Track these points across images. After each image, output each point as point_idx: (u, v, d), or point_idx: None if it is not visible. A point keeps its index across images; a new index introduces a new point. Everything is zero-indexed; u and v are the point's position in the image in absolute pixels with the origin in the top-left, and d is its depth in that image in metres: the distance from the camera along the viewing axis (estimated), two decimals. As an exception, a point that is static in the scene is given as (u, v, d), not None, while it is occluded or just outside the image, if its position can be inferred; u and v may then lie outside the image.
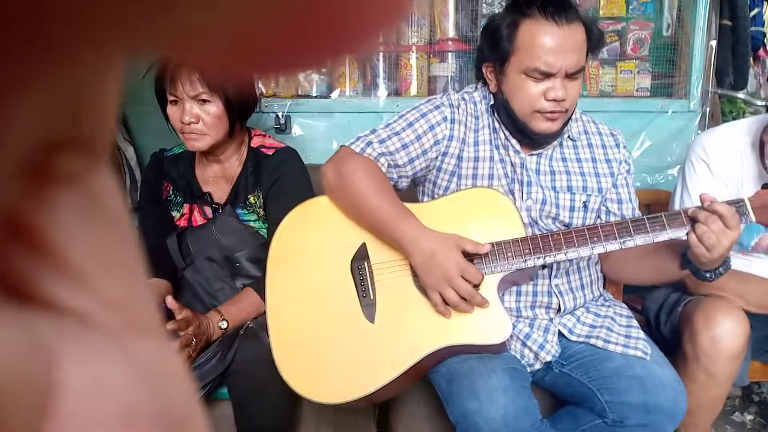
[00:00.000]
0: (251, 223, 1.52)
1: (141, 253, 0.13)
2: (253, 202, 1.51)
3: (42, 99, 0.10)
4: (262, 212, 1.51)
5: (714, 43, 2.68)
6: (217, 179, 1.54)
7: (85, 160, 0.11)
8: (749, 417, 2.26)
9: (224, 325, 1.39)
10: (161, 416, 0.12)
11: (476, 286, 1.22)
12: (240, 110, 1.47)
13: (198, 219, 1.54)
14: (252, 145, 1.54)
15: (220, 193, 1.54)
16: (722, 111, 3.44)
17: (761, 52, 4.47)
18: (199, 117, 1.40)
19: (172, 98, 1.40)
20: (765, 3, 3.85)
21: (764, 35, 4.42)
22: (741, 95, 3.30)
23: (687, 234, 1.20)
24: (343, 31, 0.10)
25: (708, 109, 2.60)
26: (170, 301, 1.29)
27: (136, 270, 0.13)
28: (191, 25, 0.09)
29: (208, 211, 1.53)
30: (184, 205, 1.54)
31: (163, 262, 1.52)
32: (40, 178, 0.11)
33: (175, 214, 1.55)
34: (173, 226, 1.54)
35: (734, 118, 2.72)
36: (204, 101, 1.39)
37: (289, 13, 0.10)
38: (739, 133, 1.58)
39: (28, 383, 0.10)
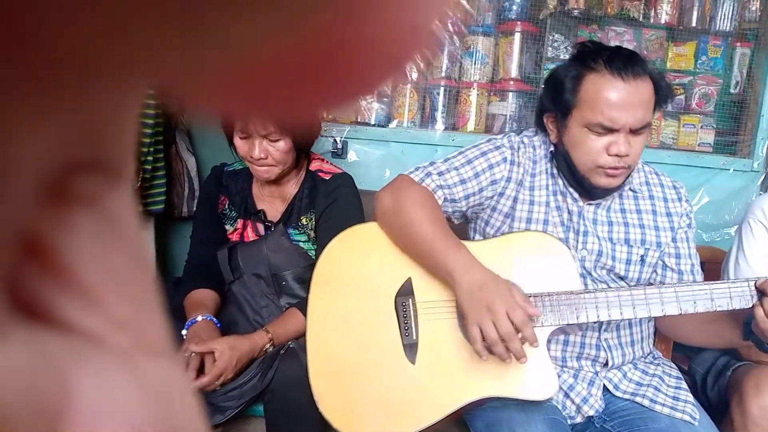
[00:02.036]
0: (301, 244, 1.54)
1: (153, 273, 0.13)
2: (305, 223, 1.53)
3: (61, 122, 0.10)
4: (312, 234, 1.53)
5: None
6: (272, 198, 1.56)
7: (103, 181, 0.11)
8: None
9: (270, 347, 1.40)
10: None
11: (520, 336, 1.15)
12: (305, 145, 1.51)
13: (250, 235, 1.56)
14: (310, 168, 1.57)
15: (274, 211, 1.56)
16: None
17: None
18: (268, 152, 1.43)
19: (242, 134, 1.43)
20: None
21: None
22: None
23: (753, 306, 1.15)
24: (351, 76, 0.10)
25: (770, 171, 2.53)
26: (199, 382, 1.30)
27: (148, 290, 0.13)
28: (203, 62, 0.09)
29: (261, 228, 1.56)
30: (238, 220, 1.57)
31: (213, 274, 1.55)
32: (56, 199, 0.11)
33: (229, 228, 1.58)
34: (225, 240, 1.57)
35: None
36: (274, 139, 1.42)
37: (306, 58, 0.10)
38: None
39: (40, 403, 0.10)
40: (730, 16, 2.50)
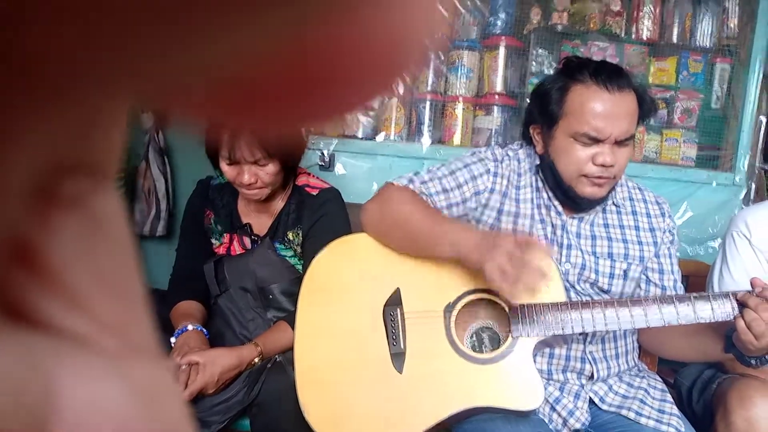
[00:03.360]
0: (287, 258, 1.54)
1: (141, 275, 0.13)
2: (291, 238, 1.53)
3: (49, 127, 0.10)
4: (299, 249, 1.53)
5: (764, 118, 2.65)
6: (259, 212, 1.56)
7: (90, 184, 0.12)
8: None
9: (258, 360, 1.39)
10: None
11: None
12: (293, 164, 1.52)
13: (237, 249, 1.56)
14: (297, 183, 1.57)
15: (261, 225, 1.56)
16: (767, 187, 3.39)
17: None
18: (257, 176, 1.43)
19: (229, 161, 1.42)
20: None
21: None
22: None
23: (735, 318, 1.17)
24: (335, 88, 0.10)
25: (753, 185, 2.57)
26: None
27: (135, 291, 0.13)
28: (188, 72, 0.10)
29: (247, 241, 1.55)
30: (224, 234, 1.56)
31: (198, 287, 1.54)
32: (42, 201, 0.11)
33: (215, 242, 1.57)
34: (212, 253, 1.56)
35: (780, 195, 2.67)
36: (263, 164, 1.42)
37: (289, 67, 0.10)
38: None
39: (27, 405, 0.10)
40: (709, 32, 2.55)
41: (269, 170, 1.43)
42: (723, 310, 1.19)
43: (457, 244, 1.18)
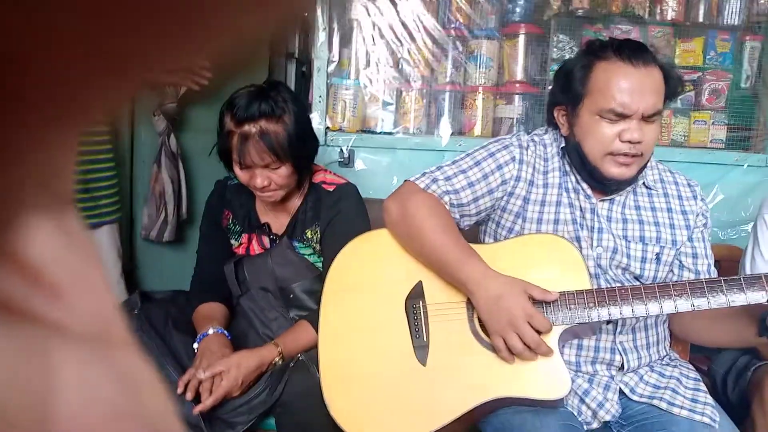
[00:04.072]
0: (307, 257, 1.53)
1: (110, 276, 0.14)
2: (310, 236, 1.53)
3: (39, 148, 0.12)
4: (318, 247, 1.52)
5: (796, 97, 2.56)
6: (276, 211, 1.56)
7: (56, 199, 0.13)
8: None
9: (280, 360, 1.39)
10: (143, 420, 0.13)
11: (541, 335, 1.18)
12: (307, 163, 1.51)
13: (256, 248, 1.56)
14: (314, 180, 1.57)
15: (278, 224, 1.56)
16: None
17: None
18: (270, 179, 1.43)
19: (241, 166, 1.42)
20: None
21: None
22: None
23: (767, 301, 1.13)
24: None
25: (787, 165, 2.48)
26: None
27: (106, 291, 0.14)
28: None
29: (266, 241, 1.55)
30: (243, 234, 1.57)
31: (220, 288, 1.55)
32: (20, 211, 0.12)
33: (234, 242, 1.58)
34: (231, 254, 1.57)
35: (815, 176, 2.58)
36: (275, 167, 1.42)
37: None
38: None
39: (27, 390, 0.11)
40: (738, 9, 2.47)
41: (282, 173, 1.43)
42: (755, 293, 1.14)
43: (471, 293, 1.21)
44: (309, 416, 1.30)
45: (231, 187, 1.58)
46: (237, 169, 1.43)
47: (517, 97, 2.39)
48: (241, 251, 1.56)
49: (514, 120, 2.39)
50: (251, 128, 1.39)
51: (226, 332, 1.43)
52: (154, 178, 2.16)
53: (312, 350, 1.35)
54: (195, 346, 1.40)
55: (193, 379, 1.30)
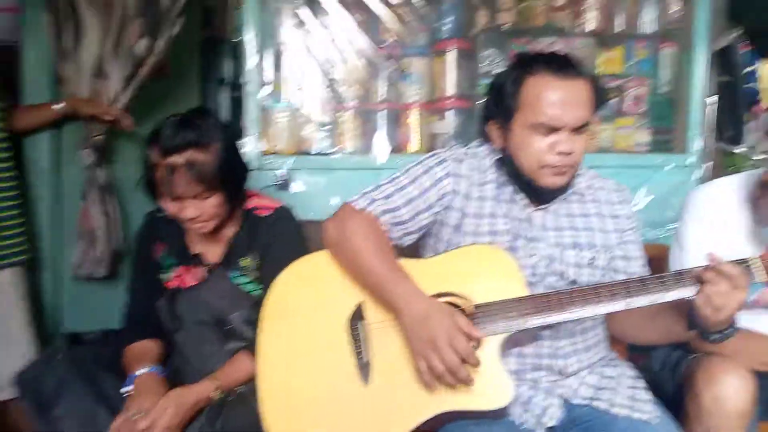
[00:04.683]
0: (243, 285, 1.50)
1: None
2: (246, 264, 1.50)
3: None
4: (255, 275, 1.50)
5: (711, 99, 2.71)
6: (210, 241, 1.52)
7: None
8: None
9: (217, 395, 1.36)
10: None
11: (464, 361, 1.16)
12: (238, 191, 1.49)
13: (190, 281, 1.52)
14: (247, 206, 1.54)
15: (213, 254, 1.52)
16: (722, 165, 3.46)
17: (757, 107, 4.54)
18: (201, 210, 1.41)
19: (169, 198, 1.39)
20: (759, 60, 3.92)
21: (759, 91, 4.49)
22: (739, 149, 3.32)
23: (694, 295, 1.17)
24: None
25: (708, 164, 2.61)
26: None
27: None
28: None
29: (200, 272, 1.52)
30: (176, 267, 1.52)
31: (154, 324, 1.50)
32: None
33: (167, 275, 1.53)
34: (164, 288, 1.52)
35: (734, 172, 2.72)
36: (205, 197, 1.40)
37: None
38: (733, 188, 1.58)
39: None
40: (653, 18, 2.60)
41: (212, 203, 1.40)
42: (683, 289, 1.19)
43: (399, 312, 1.21)
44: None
45: (161, 218, 1.53)
46: (165, 202, 1.40)
47: (449, 112, 2.44)
48: (174, 284, 1.52)
49: (448, 135, 2.44)
50: (178, 159, 1.36)
51: (159, 369, 1.38)
52: (83, 214, 2.09)
53: (252, 382, 1.31)
54: (126, 389, 1.35)
55: (125, 424, 1.25)
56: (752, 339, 1.44)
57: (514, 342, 1.29)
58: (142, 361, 1.39)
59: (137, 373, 1.36)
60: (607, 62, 2.57)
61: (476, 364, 1.16)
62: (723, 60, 3.30)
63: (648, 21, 2.60)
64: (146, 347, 1.45)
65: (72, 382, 1.32)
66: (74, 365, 1.36)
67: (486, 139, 1.43)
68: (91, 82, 2.04)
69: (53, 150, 2.20)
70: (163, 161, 1.37)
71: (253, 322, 1.40)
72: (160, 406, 1.28)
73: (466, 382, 1.15)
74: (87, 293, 2.19)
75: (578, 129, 1.29)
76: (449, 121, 2.43)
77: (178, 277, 1.52)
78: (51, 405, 1.31)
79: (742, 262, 1.18)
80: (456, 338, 1.14)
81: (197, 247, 1.53)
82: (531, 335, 1.31)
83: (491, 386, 1.19)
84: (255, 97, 2.26)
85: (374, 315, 1.28)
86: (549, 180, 1.32)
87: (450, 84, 2.44)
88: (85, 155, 2.10)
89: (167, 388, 1.35)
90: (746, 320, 1.51)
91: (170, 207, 1.41)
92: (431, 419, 1.19)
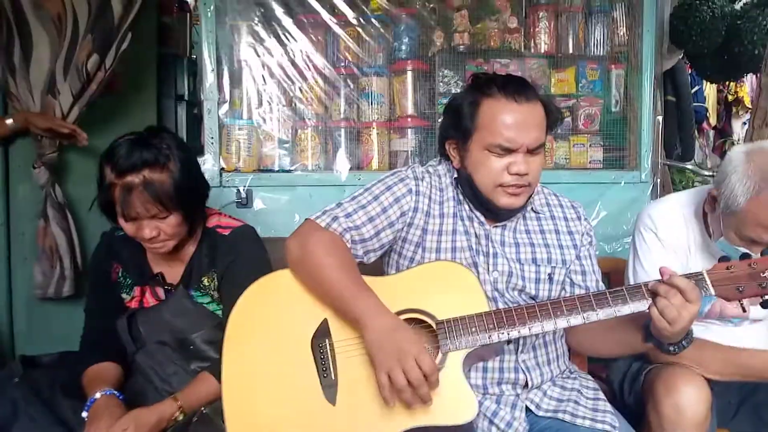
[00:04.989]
0: (205, 305, 1.48)
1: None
2: (207, 284, 1.47)
3: None
4: (216, 294, 1.47)
5: (660, 117, 2.82)
6: (170, 260, 1.49)
7: None
8: (721, 488, 2.22)
9: (180, 416, 1.32)
10: None
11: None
12: (197, 210, 1.47)
13: (150, 300, 1.48)
14: (208, 225, 1.52)
15: (173, 274, 1.49)
16: (672, 181, 3.59)
17: (705, 125, 4.74)
18: (159, 230, 1.38)
19: (127, 218, 1.37)
20: (705, 81, 4.11)
21: (706, 110, 4.69)
22: (689, 166, 3.46)
23: (648, 308, 1.20)
24: None
25: (659, 180, 2.71)
26: None
27: None
28: None
29: (161, 292, 1.48)
30: (135, 287, 1.49)
31: (112, 346, 1.45)
32: None
33: (126, 296, 1.50)
34: (123, 308, 1.48)
35: (684, 187, 2.83)
36: (163, 217, 1.37)
37: None
38: (684, 203, 1.64)
39: None
40: (601, 41, 2.70)
41: (171, 222, 1.38)
42: (638, 302, 1.22)
43: (364, 326, 1.19)
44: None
45: (118, 238, 1.49)
46: (122, 222, 1.37)
47: (409, 130, 2.47)
48: (134, 305, 1.48)
49: (409, 152, 2.47)
50: (134, 179, 1.33)
51: (117, 393, 1.34)
52: (42, 233, 2.02)
53: (216, 402, 1.28)
54: (84, 414, 1.30)
55: None
56: (706, 349, 1.49)
57: (477, 357, 1.30)
58: (100, 384, 1.35)
59: (94, 397, 1.31)
60: (560, 82, 2.65)
61: (436, 384, 1.14)
62: (669, 81, 3.44)
63: (597, 44, 2.70)
64: (104, 370, 1.40)
65: (28, 406, 1.27)
66: (30, 389, 1.31)
67: (444, 157, 1.46)
68: (42, 98, 1.99)
69: (2, 169, 2.12)
70: (118, 181, 1.34)
71: (216, 342, 1.37)
72: (119, 425, 1.24)
73: (425, 399, 1.13)
74: (43, 315, 2.11)
75: (533, 150, 1.33)
76: (409, 139, 2.47)
77: (138, 298, 1.49)
78: (6, 429, 1.26)
79: (694, 276, 1.21)
80: (421, 356, 1.13)
81: (157, 266, 1.49)
82: (494, 350, 1.33)
83: (456, 402, 1.19)
84: (214, 114, 2.25)
85: (339, 333, 1.27)
86: (505, 200, 1.35)
87: (409, 103, 2.48)
88: (37, 174, 2.03)
89: (125, 411, 1.30)
90: (700, 331, 1.57)
91: (127, 227, 1.37)
92: (398, 436, 1.18)
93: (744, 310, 1.44)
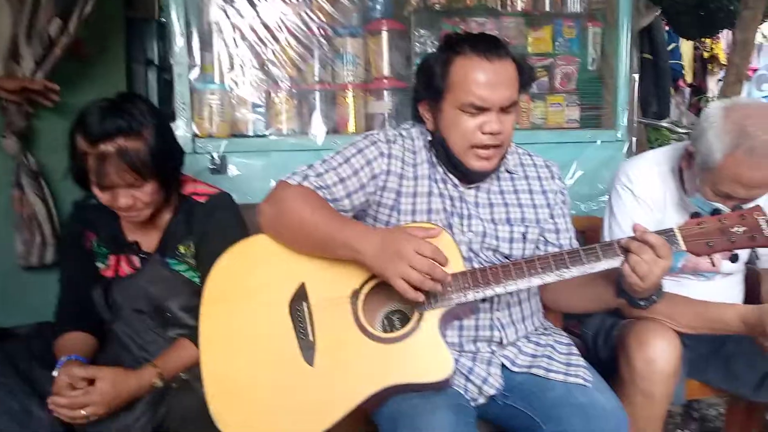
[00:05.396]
0: (182, 273, 1.47)
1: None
2: (183, 252, 1.46)
3: None
4: (193, 262, 1.46)
5: (637, 75, 2.82)
6: (145, 228, 1.48)
7: None
8: (691, 434, 2.31)
9: (159, 382, 1.33)
10: None
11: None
12: (173, 177, 1.45)
13: (126, 269, 1.47)
14: (183, 192, 1.50)
15: (149, 242, 1.48)
16: (648, 139, 3.62)
17: (681, 82, 4.76)
18: (135, 198, 1.36)
19: (101, 187, 1.34)
20: (681, 38, 4.10)
21: (682, 67, 4.70)
22: (664, 123, 3.49)
23: (621, 264, 1.22)
24: None
25: (635, 138, 2.72)
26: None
27: None
28: None
29: (136, 260, 1.47)
30: (110, 255, 1.47)
31: (87, 315, 1.44)
32: None
33: (101, 265, 1.48)
34: (98, 278, 1.47)
35: (660, 145, 2.85)
36: (139, 185, 1.35)
37: None
38: (660, 160, 1.65)
39: None
40: (578, -2, 2.67)
41: (147, 191, 1.36)
42: (611, 259, 1.24)
43: (358, 251, 1.19)
44: (196, 436, 1.25)
45: (91, 206, 1.47)
46: (97, 191, 1.34)
47: (385, 92, 2.44)
48: (109, 274, 1.47)
49: (386, 115, 2.44)
50: (108, 147, 1.30)
51: (81, 358, 1.33)
52: (18, 202, 1.99)
53: (195, 368, 1.29)
54: (54, 373, 1.30)
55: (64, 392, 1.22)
56: (678, 303, 1.52)
57: (453, 315, 1.32)
58: (67, 352, 1.34)
59: (61, 361, 1.31)
60: (536, 41, 2.63)
61: (445, 261, 1.17)
62: (646, 38, 3.44)
63: (574, 1, 2.67)
64: (75, 339, 1.40)
65: (4, 378, 1.26)
66: (6, 360, 1.30)
67: (418, 119, 1.45)
68: (5, 64, 1.93)
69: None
70: (92, 150, 1.31)
71: (193, 309, 1.37)
72: (99, 375, 1.25)
73: (444, 279, 1.16)
74: (18, 285, 2.08)
75: (506, 109, 1.32)
76: (386, 102, 2.44)
77: (113, 267, 1.47)
78: None
79: (666, 232, 1.23)
80: (419, 244, 1.15)
81: (132, 235, 1.48)
82: (469, 308, 1.34)
83: (432, 359, 1.21)
84: (184, 78, 2.20)
85: (317, 295, 1.28)
86: (477, 164, 1.35)
87: (385, 64, 2.45)
88: (7, 143, 1.99)
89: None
90: (672, 285, 1.60)
91: (102, 197, 1.35)
92: (376, 394, 1.20)
93: (713, 265, 1.48)
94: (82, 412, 1.23)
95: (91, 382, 1.25)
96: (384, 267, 1.16)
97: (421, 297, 1.17)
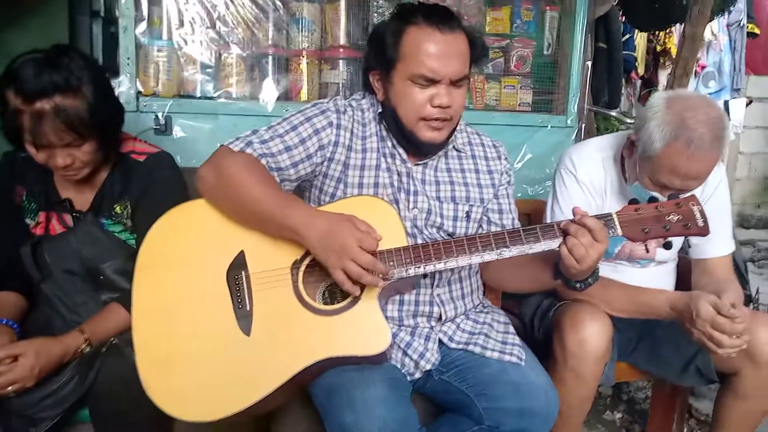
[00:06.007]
0: (117, 234, 1.42)
1: None
2: (119, 212, 1.41)
3: None
4: (129, 223, 1.41)
5: (590, 63, 2.85)
6: (79, 185, 1.41)
7: None
8: (618, 415, 2.40)
9: (87, 347, 1.28)
10: None
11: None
12: (114, 135, 1.39)
13: (56, 228, 1.41)
14: (122, 150, 1.44)
15: (83, 200, 1.42)
16: (597, 127, 3.68)
17: (633, 74, 4.85)
18: (74, 157, 1.30)
19: (37, 147, 1.27)
20: (635, 30, 4.17)
21: (635, 59, 4.79)
22: (614, 113, 3.55)
23: (559, 246, 1.24)
24: None
25: (584, 125, 2.76)
26: None
27: None
28: None
29: (68, 219, 1.41)
30: (40, 212, 1.41)
31: (15, 274, 1.38)
32: None
33: (30, 222, 1.41)
34: (27, 235, 1.40)
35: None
36: (78, 144, 1.29)
37: None
38: (604, 147, 1.68)
39: None
40: (538, -19, 2.67)
41: (85, 150, 1.30)
42: (550, 241, 1.25)
43: (302, 236, 1.18)
44: (126, 402, 1.22)
45: (23, 159, 1.40)
46: (31, 150, 1.27)
47: (341, 61, 2.39)
48: (39, 231, 1.40)
49: (340, 85, 2.40)
50: (44, 105, 1.23)
51: (12, 324, 1.28)
52: None
53: (126, 333, 1.25)
54: None
55: None
56: (613, 288, 1.56)
57: (394, 290, 1.32)
58: None
59: None
60: (495, 21, 2.62)
61: (386, 270, 1.18)
62: (602, 27, 3.48)
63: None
64: (7, 300, 1.35)
65: None
66: None
67: (369, 89, 1.42)
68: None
69: None
70: (26, 108, 1.23)
71: (127, 273, 1.33)
72: (14, 347, 1.21)
73: (385, 273, 1.17)
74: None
75: (456, 82, 1.32)
76: (341, 71, 2.39)
77: (43, 224, 1.41)
78: None
79: (604, 217, 1.26)
80: (363, 238, 1.15)
81: (65, 191, 1.42)
82: (410, 283, 1.35)
83: (370, 332, 1.21)
84: (130, 32, 2.09)
85: (256, 265, 1.25)
86: (428, 134, 1.34)
87: (341, 33, 2.39)
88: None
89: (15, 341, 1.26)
90: (609, 271, 1.65)
91: (38, 156, 1.28)
92: (312, 366, 1.19)
93: (647, 251, 1.53)
94: (10, 388, 1.20)
95: (15, 358, 1.21)
96: (326, 257, 1.16)
97: (357, 291, 1.18)
